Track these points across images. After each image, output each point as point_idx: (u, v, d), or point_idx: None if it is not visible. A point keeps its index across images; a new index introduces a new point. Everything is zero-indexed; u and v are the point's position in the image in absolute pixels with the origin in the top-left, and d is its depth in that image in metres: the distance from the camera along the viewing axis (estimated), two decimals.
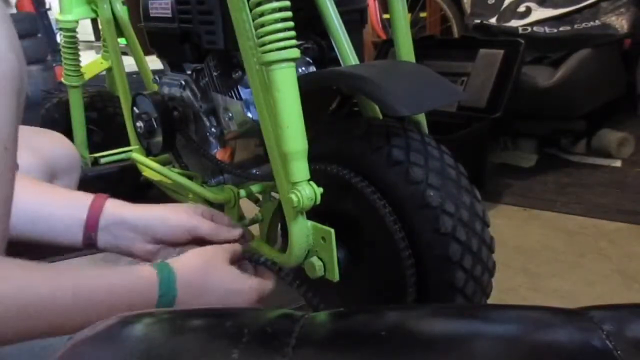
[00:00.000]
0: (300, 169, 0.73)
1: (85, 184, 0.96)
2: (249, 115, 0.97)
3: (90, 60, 1.67)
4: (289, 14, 0.70)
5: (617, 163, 1.93)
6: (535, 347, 0.32)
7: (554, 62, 1.90)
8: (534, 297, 1.21)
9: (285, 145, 0.72)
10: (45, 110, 1.71)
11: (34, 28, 3.34)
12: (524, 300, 1.20)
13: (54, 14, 3.05)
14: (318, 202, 0.74)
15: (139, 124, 1.14)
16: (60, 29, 1.47)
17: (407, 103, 0.77)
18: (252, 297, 0.68)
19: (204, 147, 1.11)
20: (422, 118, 0.92)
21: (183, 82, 1.09)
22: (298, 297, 0.83)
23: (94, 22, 3.92)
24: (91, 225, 0.71)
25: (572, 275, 1.28)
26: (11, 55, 0.45)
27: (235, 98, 1.00)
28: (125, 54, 1.40)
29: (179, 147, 1.19)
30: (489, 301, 0.82)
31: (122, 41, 1.42)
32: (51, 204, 0.70)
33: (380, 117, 0.91)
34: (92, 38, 5.11)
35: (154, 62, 1.33)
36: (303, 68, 1.00)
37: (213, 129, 1.10)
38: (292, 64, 0.71)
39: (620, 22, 1.84)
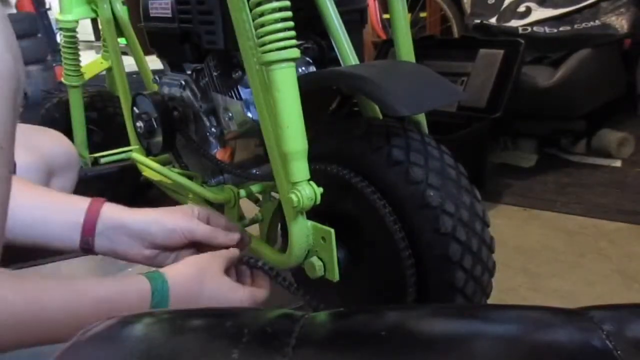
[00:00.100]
0: (300, 169, 0.73)
1: (85, 184, 0.96)
2: (249, 115, 0.97)
3: (90, 60, 1.67)
4: (289, 14, 0.70)
5: (617, 163, 1.93)
6: (535, 347, 0.32)
7: (554, 62, 1.90)
8: (534, 297, 1.21)
9: (285, 145, 0.72)
10: (45, 110, 1.71)
11: (34, 28, 3.34)
12: (524, 300, 1.20)
13: (54, 14, 3.04)
14: (318, 202, 0.74)
15: (139, 124, 1.14)
16: (60, 29, 1.47)
17: (407, 103, 0.77)
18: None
19: (204, 147, 1.11)
20: (422, 118, 0.92)
21: (183, 82, 1.09)
22: (298, 297, 0.83)
23: (94, 22, 3.92)
24: (88, 229, 0.70)
25: (572, 275, 1.28)
26: (8, 56, 0.45)
27: (235, 98, 1.00)
28: (125, 54, 1.40)
29: (179, 147, 1.19)
30: (489, 301, 0.82)
31: (122, 41, 1.42)
32: (48, 208, 0.70)
33: (380, 117, 0.91)
34: (92, 38, 5.11)
35: (154, 62, 1.33)
36: (303, 68, 1.00)
37: (213, 129, 1.10)
38: (292, 64, 0.71)
39: (620, 22, 1.84)
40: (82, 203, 0.72)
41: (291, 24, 0.70)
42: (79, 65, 1.52)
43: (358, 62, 0.91)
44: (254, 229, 1.08)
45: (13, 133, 0.48)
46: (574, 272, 1.29)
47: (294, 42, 0.71)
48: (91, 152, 1.55)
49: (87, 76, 1.55)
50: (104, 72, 1.69)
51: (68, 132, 1.41)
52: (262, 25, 0.70)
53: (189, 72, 1.10)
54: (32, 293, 0.52)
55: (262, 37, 0.70)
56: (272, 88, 0.71)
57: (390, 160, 0.77)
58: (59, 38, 1.66)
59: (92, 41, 5.11)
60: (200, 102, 1.08)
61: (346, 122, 0.89)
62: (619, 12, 1.86)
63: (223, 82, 1.01)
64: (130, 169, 1.40)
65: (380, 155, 0.78)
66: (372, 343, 0.32)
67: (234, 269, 0.74)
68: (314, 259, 0.81)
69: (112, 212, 0.72)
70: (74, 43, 1.49)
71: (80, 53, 1.53)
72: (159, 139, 1.14)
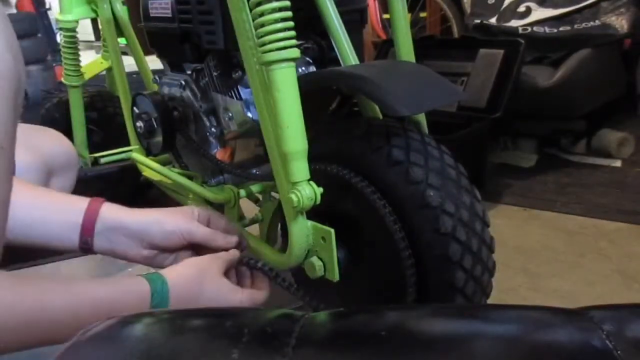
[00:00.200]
0: (300, 169, 0.73)
1: (85, 184, 0.96)
2: (249, 115, 0.97)
3: (90, 60, 1.67)
4: (289, 14, 0.70)
5: (617, 163, 1.93)
6: (535, 347, 0.32)
7: (554, 62, 1.90)
8: (534, 297, 1.21)
9: (285, 145, 0.72)
10: (45, 110, 1.71)
11: (34, 28, 3.34)
12: (524, 300, 1.20)
13: (54, 14, 3.04)
14: (318, 202, 0.74)
15: (139, 124, 1.14)
16: (60, 29, 1.47)
17: (407, 103, 0.76)
18: None
19: (204, 147, 1.11)
20: (422, 118, 0.92)
21: (183, 82, 1.09)
22: (298, 297, 0.83)
23: (94, 22, 3.92)
24: (87, 229, 0.70)
25: (572, 275, 1.28)
26: (8, 56, 0.45)
27: (235, 98, 0.99)
28: (125, 54, 1.40)
29: (179, 147, 1.19)
30: (489, 301, 0.82)
31: (122, 41, 1.42)
32: (47, 208, 0.70)
33: (380, 117, 0.91)
34: (92, 38, 5.11)
35: (154, 62, 1.33)
36: (303, 68, 1.00)
37: (213, 129, 1.10)
38: (292, 64, 0.71)
39: (620, 22, 1.84)
40: (81, 203, 0.72)
41: (291, 24, 0.70)
42: (79, 65, 1.52)
43: (358, 62, 0.91)
44: (254, 229, 1.08)
45: (14, 133, 0.48)
46: (574, 272, 1.29)
47: (294, 42, 0.71)
48: (91, 152, 1.55)
49: (87, 76, 1.55)
50: (104, 72, 1.69)
51: (68, 132, 1.41)
52: (262, 25, 0.70)
53: (189, 72, 1.10)
54: (32, 295, 0.52)
55: (262, 37, 0.70)
56: (272, 88, 0.71)
57: (390, 160, 0.77)
58: (59, 38, 1.66)
59: (92, 41, 5.11)
60: (200, 102, 1.08)
61: (346, 122, 0.89)
62: (619, 12, 1.86)
63: (223, 82, 1.01)
64: (130, 169, 1.40)
65: (380, 155, 0.78)
66: (372, 343, 0.32)
67: (234, 271, 0.74)
68: (314, 259, 0.81)
69: (111, 212, 0.72)
70: (74, 43, 1.49)
71: (80, 53, 1.53)
72: (159, 139, 1.14)
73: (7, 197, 0.48)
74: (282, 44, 0.70)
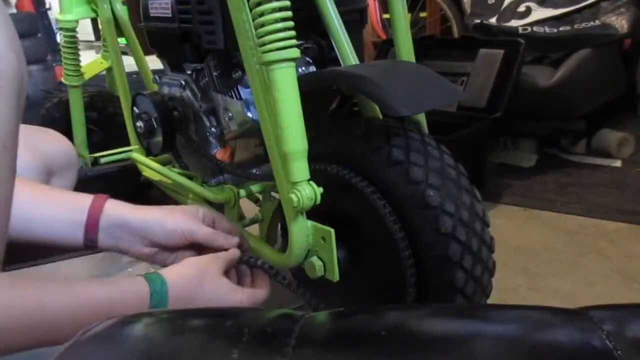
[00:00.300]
0: (300, 169, 0.73)
1: (85, 184, 0.96)
2: (249, 115, 0.97)
3: (90, 60, 1.67)
4: (289, 14, 0.70)
5: (617, 163, 1.93)
6: (535, 347, 0.32)
7: (554, 62, 1.90)
8: (534, 297, 1.21)
9: (285, 145, 0.72)
10: (45, 110, 1.71)
11: (34, 28, 3.34)
12: (524, 300, 1.20)
13: (54, 13, 3.04)
14: (318, 202, 0.74)
15: (139, 123, 1.14)
16: (60, 29, 1.47)
17: (407, 103, 0.76)
18: None
19: (204, 147, 1.11)
20: (422, 118, 0.92)
21: (183, 82, 1.09)
22: (298, 296, 0.83)
23: (94, 22, 3.93)
24: (91, 226, 0.71)
25: (572, 275, 1.28)
26: (11, 55, 0.45)
27: (235, 98, 0.99)
28: (125, 54, 1.40)
29: (179, 147, 1.19)
30: (489, 301, 0.82)
31: (122, 41, 1.42)
32: (50, 205, 0.70)
33: (380, 117, 0.91)
34: (92, 38, 5.11)
35: (154, 62, 1.33)
36: (303, 68, 1.00)
37: (213, 129, 1.10)
38: (292, 64, 0.71)
39: (620, 22, 1.85)
40: (85, 200, 0.72)
41: (291, 24, 0.70)
42: (79, 65, 1.52)
43: (358, 62, 0.91)
44: (254, 229, 1.08)
45: (16, 132, 0.48)
46: (574, 272, 1.29)
47: (294, 42, 0.71)
48: (91, 152, 1.55)
49: (87, 76, 1.55)
50: (104, 72, 1.69)
51: (68, 132, 1.41)
52: (262, 25, 0.70)
53: (189, 72, 1.10)
54: (32, 295, 0.53)
55: (262, 37, 0.70)
56: (272, 88, 0.71)
57: (390, 160, 0.77)
58: (59, 38, 1.66)
59: (92, 41, 5.11)
60: (200, 102, 1.08)
61: (346, 122, 0.89)
62: (619, 12, 1.86)
63: (223, 82, 1.01)
64: (130, 169, 1.40)
65: (380, 155, 0.78)
66: (372, 343, 0.32)
67: (234, 271, 0.74)
68: (314, 259, 0.81)
69: (115, 209, 0.72)
70: (74, 43, 1.49)
71: (80, 53, 1.53)
72: (159, 139, 1.14)
73: (10, 195, 0.48)
74: (282, 44, 0.70)
